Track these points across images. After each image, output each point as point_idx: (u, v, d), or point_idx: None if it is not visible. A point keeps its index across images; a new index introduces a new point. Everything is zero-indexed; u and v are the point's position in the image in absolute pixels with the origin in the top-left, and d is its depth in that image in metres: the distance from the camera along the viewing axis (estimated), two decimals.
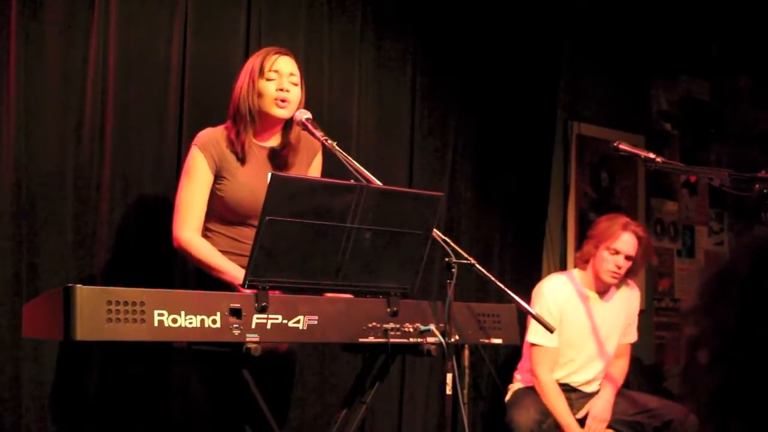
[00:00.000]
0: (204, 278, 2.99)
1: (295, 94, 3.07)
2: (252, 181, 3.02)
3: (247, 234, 2.98)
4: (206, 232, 3.08)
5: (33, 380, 3.34)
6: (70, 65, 3.46)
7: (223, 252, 3.00)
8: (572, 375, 4.12)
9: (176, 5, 3.71)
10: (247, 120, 3.04)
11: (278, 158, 3.12)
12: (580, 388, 4.14)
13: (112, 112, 3.54)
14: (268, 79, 3.03)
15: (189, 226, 2.99)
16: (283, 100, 3.03)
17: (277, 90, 3.03)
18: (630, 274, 4.10)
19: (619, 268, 4.00)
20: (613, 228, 4.00)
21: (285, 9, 4.05)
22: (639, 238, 4.01)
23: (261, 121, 3.08)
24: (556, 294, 4.06)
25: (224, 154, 3.03)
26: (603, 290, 4.12)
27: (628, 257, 4.00)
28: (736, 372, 1.00)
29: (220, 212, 3.06)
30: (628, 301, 4.21)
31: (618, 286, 4.15)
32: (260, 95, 3.03)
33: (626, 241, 3.98)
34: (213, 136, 3.06)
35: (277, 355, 3.05)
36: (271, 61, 3.05)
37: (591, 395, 4.14)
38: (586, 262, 4.10)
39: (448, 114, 4.69)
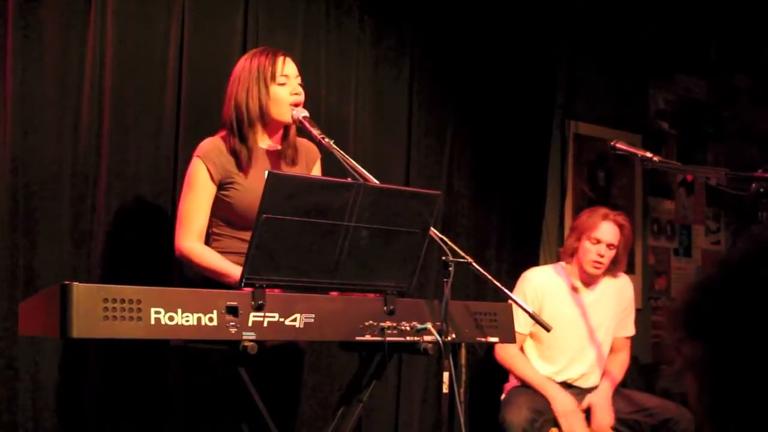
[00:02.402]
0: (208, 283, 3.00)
1: (303, 95, 3.09)
2: (257, 185, 3.00)
3: None
4: (214, 236, 3.08)
5: (29, 378, 3.34)
6: (67, 64, 3.46)
7: (232, 253, 2.99)
8: (566, 370, 4.13)
9: (173, 4, 3.71)
10: (256, 124, 3.03)
11: (283, 159, 3.11)
12: (577, 384, 4.14)
13: (109, 111, 3.54)
14: (280, 84, 3.03)
15: (190, 236, 2.99)
16: (297, 104, 3.04)
17: (291, 95, 3.04)
18: (615, 263, 4.12)
19: (602, 257, 4.05)
20: (593, 218, 4.07)
21: (282, 8, 4.05)
22: (620, 226, 4.07)
23: (270, 125, 3.08)
24: (539, 281, 4.13)
25: (227, 162, 3.02)
26: (589, 281, 4.16)
27: (610, 246, 4.05)
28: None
29: (228, 218, 3.05)
30: (618, 290, 4.23)
31: (604, 275, 4.17)
32: (274, 101, 3.02)
33: (607, 230, 4.04)
34: (214, 145, 3.04)
35: (285, 349, 3.05)
36: (281, 65, 3.04)
37: (588, 391, 4.14)
38: (571, 255, 4.16)
39: (445, 112, 4.69)
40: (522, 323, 3.89)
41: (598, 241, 4.04)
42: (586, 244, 4.06)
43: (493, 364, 4.45)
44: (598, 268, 4.07)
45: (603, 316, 4.18)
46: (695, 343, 1.02)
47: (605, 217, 4.06)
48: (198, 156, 3.03)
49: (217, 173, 3.01)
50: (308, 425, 4.01)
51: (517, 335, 3.97)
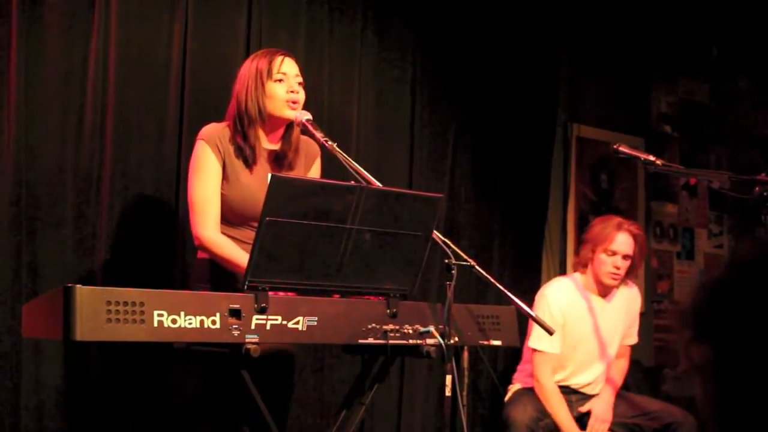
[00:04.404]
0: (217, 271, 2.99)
1: (302, 95, 3.08)
2: (255, 183, 3.01)
3: (249, 235, 2.98)
4: None
5: (32, 380, 3.34)
6: (70, 65, 3.46)
7: None
8: (573, 376, 4.12)
9: (176, 5, 3.72)
10: (256, 122, 3.03)
11: (282, 160, 3.11)
12: (582, 390, 4.14)
13: (113, 112, 3.54)
14: (276, 81, 3.04)
15: (209, 224, 2.97)
16: (294, 102, 3.04)
17: (287, 92, 3.04)
18: (630, 272, 4.10)
19: (618, 269, 4.00)
20: (607, 230, 4.01)
21: (285, 9, 4.05)
22: (634, 236, 4.03)
23: (269, 123, 3.08)
24: (560, 298, 4.06)
25: (229, 150, 3.03)
26: (605, 292, 4.13)
27: (625, 257, 4.01)
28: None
29: (222, 212, 3.06)
30: (628, 301, 4.21)
31: (618, 285, 4.15)
32: (270, 97, 3.03)
33: (622, 242, 3.99)
34: (218, 129, 3.06)
35: (276, 356, 3.05)
36: (278, 63, 3.05)
37: (591, 397, 4.14)
38: (585, 266, 4.10)
39: (448, 115, 4.69)
40: (553, 342, 3.87)
41: (614, 253, 3.99)
42: (602, 257, 4.00)
43: (497, 368, 4.45)
44: (615, 279, 4.04)
45: (615, 327, 4.17)
46: (704, 345, 1.01)
47: (619, 228, 4.00)
48: (202, 139, 3.03)
49: (220, 156, 3.01)
50: (310, 428, 4.00)
51: (550, 356, 3.97)
